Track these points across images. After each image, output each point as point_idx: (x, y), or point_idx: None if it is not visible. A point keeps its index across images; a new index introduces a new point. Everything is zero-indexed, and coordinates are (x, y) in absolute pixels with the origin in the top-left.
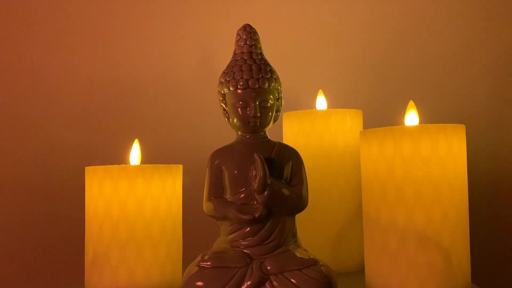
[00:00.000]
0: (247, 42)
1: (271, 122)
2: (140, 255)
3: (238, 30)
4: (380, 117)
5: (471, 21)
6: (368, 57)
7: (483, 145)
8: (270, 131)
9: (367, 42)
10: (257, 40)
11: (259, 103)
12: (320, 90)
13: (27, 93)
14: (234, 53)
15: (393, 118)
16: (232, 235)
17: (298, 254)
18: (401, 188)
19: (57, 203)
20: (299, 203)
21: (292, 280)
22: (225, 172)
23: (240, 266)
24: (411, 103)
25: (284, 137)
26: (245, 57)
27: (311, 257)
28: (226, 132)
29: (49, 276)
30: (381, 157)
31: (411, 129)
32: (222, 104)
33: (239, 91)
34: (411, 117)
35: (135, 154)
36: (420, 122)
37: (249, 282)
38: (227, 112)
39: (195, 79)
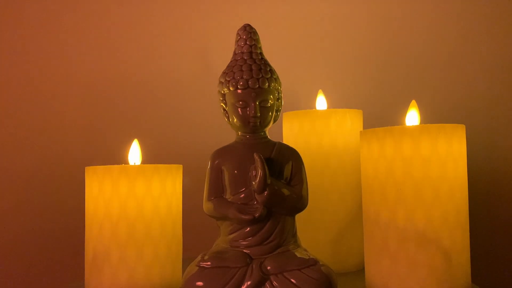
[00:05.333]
0: (247, 42)
1: (271, 122)
2: (140, 255)
3: (238, 30)
4: (380, 117)
5: (471, 21)
6: (368, 57)
7: (483, 145)
8: (270, 131)
9: (367, 42)
10: (257, 40)
11: (259, 103)
12: (320, 90)
13: (27, 93)
14: (234, 53)
15: (393, 118)
16: (232, 235)
17: (298, 254)
18: (401, 188)
19: (57, 203)
20: (299, 203)
21: (292, 280)
22: (225, 172)
23: (240, 266)
24: (413, 102)
25: (284, 137)
26: (245, 57)
27: (311, 257)
28: (226, 132)
29: (49, 276)
30: (381, 157)
31: (411, 129)
32: (222, 104)
33: (239, 91)
34: (412, 116)
35: (134, 154)
36: (420, 122)
37: (249, 282)
38: (227, 112)
39: (195, 79)
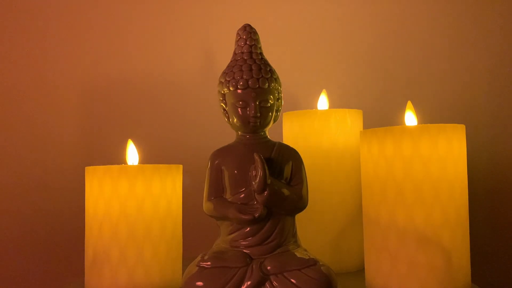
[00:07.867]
0: (247, 42)
1: (271, 122)
2: (140, 255)
3: (238, 30)
4: (380, 117)
5: (471, 21)
6: (368, 57)
7: (483, 145)
8: (270, 131)
9: (367, 42)
10: (257, 40)
11: (259, 103)
12: (324, 90)
13: (27, 93)
14: (234, 53)
15: (393, 118)
16: (232, 235)
17: (298, 254)
18: (401, 188)
19: (57, 203)
20: (299, 203)
21: (292, 280)
22: (225, 172)
23: (240, 266)
24: (409, 103)
25: (284, 137)
26: (245, 57)
27: (311, 257)
28: (226, 132)
29: (49, 276)
30: (381, 157)
31: (411, 129)
32: (222, 104)
33: (239, 91)
34: (409, 118)
35: (131, 155)
36: (420, 122)
37: (249, 282)
38: (227, 112)
39: (195, 79)
